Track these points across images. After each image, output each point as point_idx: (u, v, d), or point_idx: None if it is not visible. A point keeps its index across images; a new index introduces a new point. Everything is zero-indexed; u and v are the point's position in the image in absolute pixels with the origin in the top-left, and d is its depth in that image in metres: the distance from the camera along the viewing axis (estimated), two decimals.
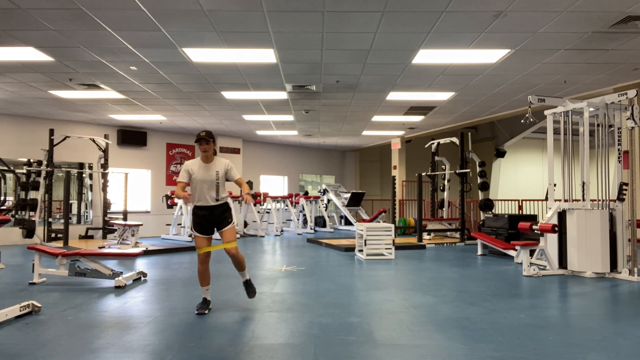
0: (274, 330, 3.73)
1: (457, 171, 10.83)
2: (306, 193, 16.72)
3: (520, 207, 11.47)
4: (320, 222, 15.24)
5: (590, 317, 4.22)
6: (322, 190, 15.82)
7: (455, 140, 11.21)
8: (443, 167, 12.35)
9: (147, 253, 8.58)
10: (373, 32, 5.70)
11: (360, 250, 8.26)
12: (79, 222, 11.92)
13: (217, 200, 4.26)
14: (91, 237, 11.33)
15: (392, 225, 8.35)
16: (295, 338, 3.51)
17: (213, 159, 4.29)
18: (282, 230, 14.05)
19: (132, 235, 9.20)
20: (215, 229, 4.33)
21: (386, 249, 8.16)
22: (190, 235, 11.38)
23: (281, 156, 17.23)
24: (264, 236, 12.81)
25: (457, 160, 11.02)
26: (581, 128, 6.75)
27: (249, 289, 4.48)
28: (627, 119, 6.31)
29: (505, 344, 3.34)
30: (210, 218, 4.27)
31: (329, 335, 3.55)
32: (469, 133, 11.07)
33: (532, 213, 10.78)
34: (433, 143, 12.25)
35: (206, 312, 4.21)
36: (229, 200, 4.52)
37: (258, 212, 13.65)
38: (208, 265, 4.33)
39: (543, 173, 16.15)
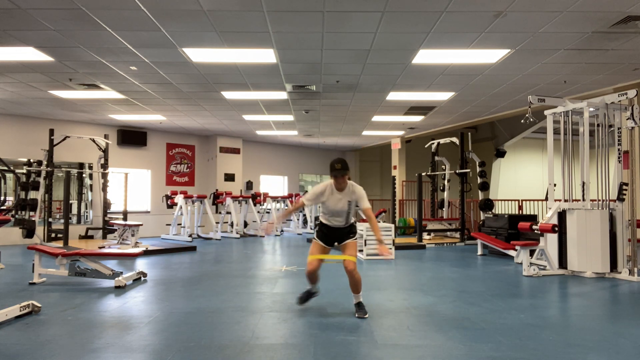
0: (274, 330, 3.73)
1: (457, 171, 10.83)
2: (306, 193, 16.72)
3: (520, 207, 11.47)
4: (315, 225, 15.21)
5: (590, 317, 4.22)
6: None
7: (455, 140, 11.21)
8: (443, 167, 12.35)
9: (147, 253, 8.58)
10: (373, 32, 5.70)
11: (360, 250, 8.26)
12: (79, 222, 11.92)
13: (345, 224, 4.23)
14: (91, 237, 11.33)
15: (392, 225, 8.35)
16: (295, 338, 3.51)
17: (347, 185, 4.10)
18: (282, 230, 14.06)
19: (132, 235, 9.20)
20: (336, 243, 4.27)
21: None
22: (190, 235, 11.39)
23: (281, 156, 17.22)
24: (264, 236, 12.81)
25: (457, 160, 11.02)
26: (581, 128, 6.75)
27: (360, 309, 4.16)
28: (627, 119, 6.31)
29: (505, 344, 3.34)
30: (336, 234, 4.24)
31: (329, 335, 3.55)
32: (469, 133, 11.07)
33: (532, 213, 10.77)
34: (433, 143, 12.25)
35: (306, 302, 4.39)
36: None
37: (258, 212, 13.65)
38: (315, 274, 4.25)
39: (543, 173, 16.14)
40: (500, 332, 3.61)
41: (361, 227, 8.27)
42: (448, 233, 11.57)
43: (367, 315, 4.08)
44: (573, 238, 6.47)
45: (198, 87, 8.38)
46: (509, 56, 6.57)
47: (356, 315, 4.09)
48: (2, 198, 6.74)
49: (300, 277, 6.19)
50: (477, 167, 10.88)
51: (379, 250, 4.14)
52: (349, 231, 4.25)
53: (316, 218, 14.91)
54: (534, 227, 6.69)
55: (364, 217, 14.48)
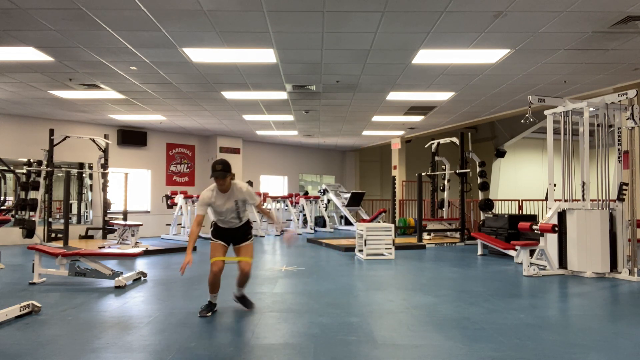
0: (274, 330, 3.73)
1: (457, 171, 10.83)
2: (306, 193, 16.72)
3: (520, 207, 11.47)
4: (320, 222, 15.24)
5: (590, 317, 4.22)
6: (322, 190, 15.81)
7: (455, 140, 11.21)
8: (443, 167, 12.35)
9: (147, 253, 8.58)
10: (373, 32, 5.70)
11: (360, 250, 8.26)
12: (79, 222, 11.92)
13: (240, 222, 4.27)
14: (91, 237, 11.33)
15: (392, 225, 8.35)
16: (295, 338, 3.51)
17: (230, 187, 4.11)
18: (282, 230, 14.05)
19: (132, 235, 9.20)
20: (232, 243, 4.30)
21: (386, 249, 8.15)
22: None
23: (281, 156, 17.22)
24: (264, 236, 12.81)
25: (457, 160, 11.02)
26: (581, 128, 6.75)
27: (246, 302, 4.38)
28: (627, 119, 6.31)
29: (505, 344, 3.34)
30: (232, 234, 4.28)
31: (329, 335, 3.55)
32: (469, 133, 11.06)
33: (532, 213, 10.77)
34: (433, 143, 12.25)
35: (209, 314, 4.15)
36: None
37: (258, 212, 13.63)
38: (219, 277, 4.20)
39: (543, 173, 16.14)
40: (500, 332, 3.61)
41: (361, 227, 8.27)
42: (448, 233, 11.57)
43: (252, 308, 4.31)
44: (573, 238, 6.47)
45: (198, 87, 8.38)
46: (509, 56, 6.57)
47: (247, 309, 4.30)
48: (2, 198, 6.74)
49: (301, 277, 6.19)
50: (477, 167, 10.88)
51: (284, 236, 4.37)
52: (244, 232, 4.29)
53: (316, 218, 14.94)
54: (534, 227, 6.68)
55: (364, 218, 14.44)
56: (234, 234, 4.29)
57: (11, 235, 10.28)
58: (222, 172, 3.99)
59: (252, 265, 4.27)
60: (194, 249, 4.01)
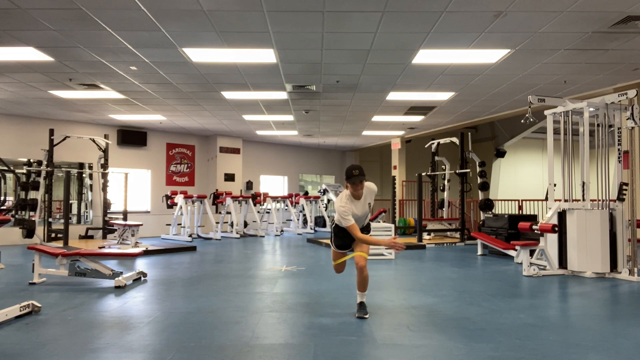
0: (274, 330, 3.73)
1: (457, 171, 10.83)
2: (306, 193, 16.73)
3: (520, 207, 11.47)
4: (320, 222, 15.24)
5: (590, 317, 4.22)
6: (322, 190, 15.81)
7: (455, 140, 11.21)
8: (443, 167, 12.35)
9: (147, 253, 8.58)
10: (373, 32, 5.70)
11: None
12: (79, 222, 11.92)
13: (363, 225, 4.27)
14: (91, 237, 11.33)
15: (392, 225, 8.35)
16: (295, 338, 3.50)
17: (363, 190, 4.08)
18: (282, 230, 14.05)
19: (132, 235, 9.20)
20: (352, 244, 4.29)
21: (386, 249, 8.16)
22: (190, 235, 11.39)
23: (281, 156, 17.22)
24: (264, 236, 12.81)
25: (457, 160, 11.02)
26: (581, 128, 6.75)
27: (361, 310, 4.13)
28: (627, 119, 6.31)
29: (505, 344, 3.34)
30: (351, 236, 4.18)
31: (329, 335, 3.55)
32: (469, 133, 11.06)
33: (532, 213, 10.78)
34: (433, 143, 12.25)
35: (366, 316, 4.06)
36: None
37: (258, 212, 13.66)
38: (343, 267, 4.48)
39: (543, 173, 16.15)
40: (500, 332, 3.61)
41: None
42: (448, 233, 11.57)
43: (367, 316, 4.06)
44: (573, 238, 6.47)
45: (198, 87, 8.38)
46: (509, 56, 6.57)
47: (356, 315, 4.07)
48: (2, 198, 6.74)
49: (301, 277, 6.19)
50: (477, 167, 10.88)
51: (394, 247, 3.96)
52: (365, 231, 4.30)
53: (316, 218, 14.94)
54: (534, 227, 6.68)
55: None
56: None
57: (11, 235, 10.28)
58: (360, 176, 3.95)
59: (366, 260, 4.11)
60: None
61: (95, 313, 4.26)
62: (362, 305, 4.16)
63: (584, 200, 6.52)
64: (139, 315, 4.19)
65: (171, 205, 12.00)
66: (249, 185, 15.84)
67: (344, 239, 4.25)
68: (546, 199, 7.14)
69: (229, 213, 12.70)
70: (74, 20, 5.29)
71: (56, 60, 6.76)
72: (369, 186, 4.16)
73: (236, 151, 14.93)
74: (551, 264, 6.57)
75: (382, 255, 8.13)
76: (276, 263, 7.64)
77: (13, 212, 9.59)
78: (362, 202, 4.13)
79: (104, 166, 11.12)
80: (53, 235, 10.29)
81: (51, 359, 3.03)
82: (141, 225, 9.65)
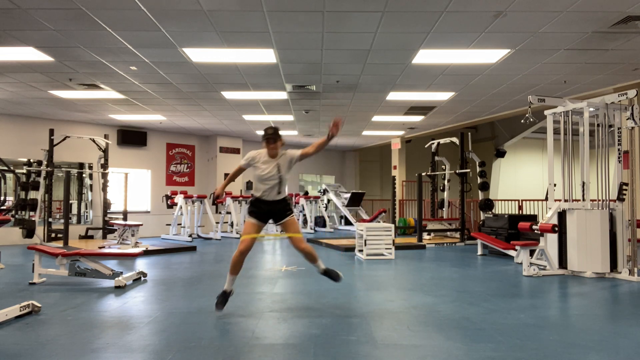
0: (274, 330, 3.73)
1: (457, 171, 10.83)
2: (306, 193, 16.72)
3: (520, 207, 11.47)
4: (320, 222, 15.24)
5: (590, 317, 4.22)
6: (322, 190, 15.82)
7: (455, 140, 11.21)
8: (443, 167, 12.35)
9: (147, 253, 8.57)
10: (373, 32, 5.70)
11: (360, 250, 8.26)
12: (79, 222, 11.92)
13: (279, 195, 4.22)
14: (91, 237, 11.33)
15: (392, 225, 8.35)
16: (295, 338, 3.50)
17: (278, 153, 4.15)
18: (282, 230, 14.03)
19: (132, 235, 9.20)
20: (272, 220, 4.27)
21: (386, 249, 8.15)
22: (190, 235, 11.39)
23: None
24: (263, 236, 12.80)
25: (457, 160, 11.02)
26: (581, 128, 6.75)
27: (331, 275, 4.33)
28: (627, 119, 6.31)
29: (505, 344, 3.34)
30: (271, 208, 4.22)
31: (329, 335, 3.55)
32: (469, 133, 11.06)
33: (532, 213, 10.78)
34: (433, 143, 12.25)
35: (223, 308, 4.12)
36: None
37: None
38: (245, 257, 4.14)
39: (543, 173, 16.13)
40: (500, 332, 3.61)
41: (361, 227, 8.27)
42: (448, 233, 11.57)
43: (340, 279, 4.36)
44: (573, 238, 6.47)
45: (198, 87, 8.38)
46: (509, 56, 6.57)
47: (336, 281, 4.36)
48: (2, 198, 6.73)
49: (301, 277, 6.19)
50: (477, 167, 10.88)
51: (333, 124, 4.02)
52: (284, 207, 4.25)
53: (316, 218, 14.92)
54: (534, 227, 6.68)
55: (364, 218, 14.41)
56: (273, 208, 4.22)
57: (11, 235, 10.28)
58: (273, 135, 4.05)
59: (302, 238, 4.27)
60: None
61: (95, 313, 4.26)
62: (327, 272, 4.36)
63: (584, 200, 6.52)
64: (139, 315, 4.19)
65: (171, 205, 12.00)
66: (249, 185, 15.84)
67: (262, 210, 4.20)
68: (546, 199, 7.14)
69: (229, 213, 12.70)
70: (74, 20, 5.29)
71: (56, 60, 6.76)
72: (288, 150, 4.20)
73: (236, 151, 14.93)
74: (551, 264, 6.57)
75: (382, 255, 8.13)
76: (276, 263, 7.64)
77: (13, 212, 9.59)
78: (273, 163, 4.12)
79: (104, 166, 11.12)
80: (53, 235, 10.29)
81: (51, 359, 3.03)
82: (141, 225, 9.65)
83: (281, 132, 4.17)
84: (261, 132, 14.08)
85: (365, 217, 14.79)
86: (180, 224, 11.71)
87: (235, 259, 4.12)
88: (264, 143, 4.15)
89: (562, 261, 6.62)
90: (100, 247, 8.71)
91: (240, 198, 13.03)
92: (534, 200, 11.18)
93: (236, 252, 4.12)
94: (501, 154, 16.16)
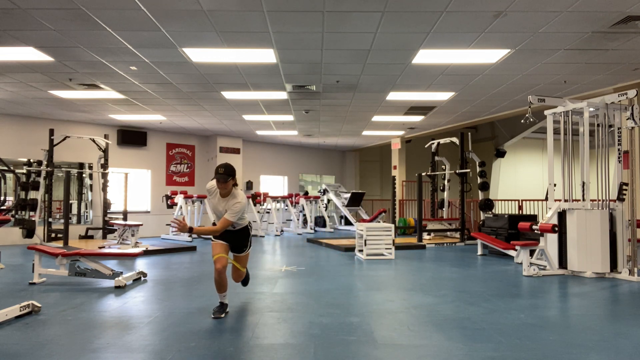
0: (274, 330, 3.73)
1: (457, 171, 10.83)
2: (306, 193, 16.72)
3: (520, 207, 11.47)
4: (320, 222, 15.24)
5: (590, 317, 4.22)
6: (322, 190, 15.82)
7: (455, 140, 11.21)
8: (443, 167, 12.35)
9: (147, 253, 8.58)
10: (373, 32, 5.70)
11: (360, 250, 8.26)
12: (79, 222, 11.92)
13: (234, 228, 4.20)
14: (91, 237, 11.33)
15: (392, 225, 8.35)
16: (295, 338, 3.51)
17: (231, 193, 4.09)
18: (282, 230, 14.05)
19: (132, 235, 9.20)
20: (232, 248, 4.30)
21: (386, 249, 8.16)
22: (190, 235, 11.39)
23: (281, 156, 17.22)
24: (264, 236, 12.81)
25: (457, 160, 11.02)
26: (581, 128, 6.75)
27: (222, 310, 4.17)
28: (627, 119, 6.31)
29: (505, 344, 3.34)
30: (230, 238, 4.24)
31: (329, 335, 3.55)
32: (469, 133, 11.06)
33: (532, 213, 10.77)
34: (433, 143, 12.25)
35: (222, 316, 4.09)
36: (248, 225, 4.37)
37: (258, 212, 13.65)
38: (225, 275, 4.14)
39: (543, 173, 16.15)
40: (500, 332, 3.61)
41: (361, 227, 8.28)
42: (448, 233, 11.57)
43: (221, 317, 4.05)
44: (573, 238, 6.47)
45: (198, 87, 8.38)
46: (509, 56, 6.57)
47: (212, 316, 4.04)
48: (2, 198, 6.73)
49: (301, 277, 6.19)
50: (477, 167, 10.88)
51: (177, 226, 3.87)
52: (241, 240, 4.27)
53: (316, 218, 14.92)
54: (534, 227, 6.68)
55: (364, 218, 14.44)
56: (231, 238, 4.25)
57: (11, 235, 10.28)
58: (224, 175, 3.96)
59: (242, 275, 4.49)
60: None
61: (95, 313, 4.26)
62: (222, 305, 4.19)
63: (584, 200, 6.52)
64: (139, 315, 4.19)
65: (171, 205, 12.00)
66: (249, 185, 15.84)
67: (222, 237, 4.21)
68: (546, 199, 7.14)
69: None
70: (74, 20, 5.29)
71: (56, 60, 6.76)
72: (237, 196, 4.06)
73: (236, 151, 14.92)
74: (551, 264, 6.57)
75: (382, 255, 8.13)
76: (276, 263, 7.64)
77: (13, 212, 9.59)
78: (224, 202, 4.09)
79: (104, 166, 11.11)
80: (53, 235, 10.29)
81: (51, 359, 3.03)
82: (141, 225, 9.65)
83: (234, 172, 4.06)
84: (262, 132, 14.12)
85: (365, 217, 14.79)
86: None
87: (216, 280, 4.11)
88: (215, 180, 4.05)
89: (562, 261, 6.62)
90: (100, 247, 8.71)
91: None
92: (534, 200, 11.18)
93: (215, 274, 4.09)
94: (501, 154, 16.17)
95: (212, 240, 4.25)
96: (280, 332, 3.66)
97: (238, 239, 4.27)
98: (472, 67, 7.10)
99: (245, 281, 4.79)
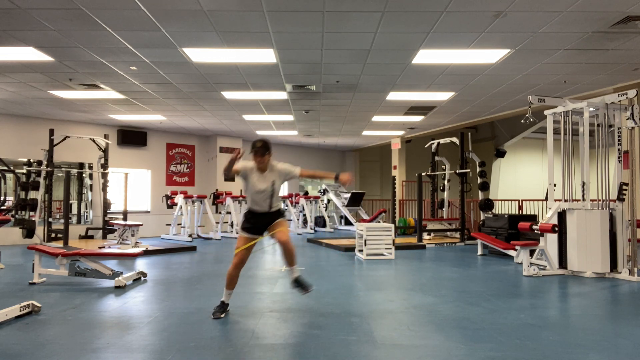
0: (274, 330, 3.73)
1: (457, 171, 10.83)
2: (306, 193, 16.72)
3: (520, 207, 11.47)
4: (320, 222, 15.24)
5: (590, 317, 4.22)
6: (322, 190, 15.81)
7: (455, 140, 11.21)
8: (443, 167, 12.35)
9: (147, 253, 8.57)
10: (373, 32, 5.70)
11: (360, 250, 8.26)
12: (79, 222, 11.92)
13: (270, 209, 4.13)
14: (91, 237, 11.33)
15: (392, 225, 8.35)
16: (295, 338, 3.51)
17: (269, 166, 4.07)
18: (271, 234, 14.01)
19: (132, 235, 9.20)
20: (265, 231, 4.20)
21: (386, 249, 8.15)
22: (190, 235, 11.39)
23: (281, 156, 17.11)
24: (264, 236, 12.78)
25: (457, 160, 11.02)
26: (581, 128, 6.75)
27: (302, 285, 4.19)
28: (627, 119, 6.31)
29: (505, 344, 3.34)
30: (264, 220, 4.15)
31: (329, 335, 3.55)
32: (469, 133, 11.06)
33: (532, 213, 10.77)
34: (433, 143, 12.25)
35: (222, 316, 4.06)
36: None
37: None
38: (240, 271, 4.13)
39: (543, 173, 16.13)
40: (500, 332, 3.61)
41: (361, 227, 8.27)
42: (448, 233, 11.57)
43: (310, 289, 4.17)
44: (573, 238, 6.47)
45: (198, 87, 8.38)
46: (509, 56, 6.57)
47: (301, 293, 4.16)
48: (2, 198, 6.73)
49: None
50: (477, 167, 10.88)
51: (342, 179, 4.15)
52: (276, 216, 4.18)
53: (316, 218, 14.93)
54: (534, 227, 6.68)
55: (364, 218, 14.42)
56: (266, 221, 4.14)
57: (11, 235, 10.28)
58: (262, 148, 3.95)
59: (289, 236, 4.11)
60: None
61: (95, 313, 4.26)
62: (298, 281, 4.18)
63: (584, 200, 6.52)
64: (139, 315, 4.19)
65: (171, 205, 12.00)
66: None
67: (255, 224, 4.14)
68: (546, 199, 7.14)
69: (229, 213, 12.69)
70: (74, 20, 5.29)
71: (56, 60, 6.76)
72: (278, 165, 4.11)
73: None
74: (551, 264, 6.57)
75: (382, 255, 8.13)
76: (276, 263, 7.64)
77: (13, 212, 9.59)
78: (263, 177, 4.03)
79: (104, 166, 11.11)
80: (53, 235, 10.29)
81: (51, 359, 3.03)
82: (141, 225, 9.65)
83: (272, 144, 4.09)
84: (262, 132, 14.09)
85: (365, 217, 14.78)
86: (180, 224, 11.70)
87: (230, 273, 4.10)
88: (252, 155, 4.03)
89: (562, 261, 6.62)
90: (100, 247, 8.71)
91: (240, 198, 13.02)
92: (534, 200, 11.18)
93: (231, 267, 4.09)
94: (501, 154, 16.16)
95: (241, 233, 4.17)
96: (280, 332, 3.66)
97: (273, 216, 4.17)
98: (472, 67, 7.10)
99: (302, 285, 4.24)
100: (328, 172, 4.26)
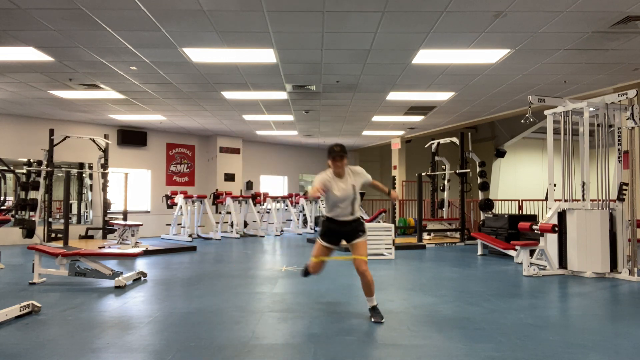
0: (274, 330, 3.73)
1: (457, 171, 10.83)
2: (306, 193, 16.72)
3: (520, 207, 11.46)
4: (320, 222, 15.23)
5: (590, 317, 4.22)
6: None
7: (455, 140, 11.21)
8: (443, 167, 12.35)
9: (147, 253, 8.57)
10: (373, 32, 5.70)
11: None
12: (79, 222, 11.92)
13: (352, 216, 4.01)
14: (91, 237, 11.33)
15: (392, 225, 8.35)
16: (295, 338, 3.51)
17: (346, 171, 3.99)
18: (282, 230, 14.05)
19: (132, 235, 9.20)
20: (344, 240, 4.09)
21: (386, 249, 8.15)
22: (190, 235, 11.39)
23: (281, 156, 17.23)
24: (264, 236, 12.81)
25: (457, 160, 11.02)
26: (581, 128, 6.75)
27: (375, 314, 3.97)
28: (627, 119, 6.31)
29: (505, 344, 3.34)
30: (344, 229, 4.04)
31: (329, 335, 3.55)
32: (469, 133, 11.06)
33: (532, 213, 10.77)
34: (433, 143, 12.25)
35: (304, 276, 4.38)
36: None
37: (258, 212, 13.66)
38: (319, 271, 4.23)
39: (543, 173, 16.13)
40: (500, 332, 3.61)
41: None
42: (448, 233, 11.57)
43: (383, 320, 3.89)
44: (573, 238, 6.47)
45: (198, 87, 8.38)
46: (509, 56, 6.57)
47: (372, 320, 3.89)
48: (2, 198, 6.73)
49: (300, 277, 6.18)
50: (477, 167, 10.88)
51: (393, 196, 4.36)
52: (357, 228, 4.02)
53: (316, 218, 14.94)
54: (534, 227, 6.68)
55: (364, 218, 14.45)
56: (346, 229, 4.02)
57: (11, 235, 10.28)
58: (340, 152, 3.89)
59: (367, 263, 4.01)
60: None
61: (95, 313, 4.26)
62: (375, 310, 3.99)
63: (584, 200, 6.52)
64: (139, 315, 4.19)
65: (171, 205, 12.00)
66: (249, 185, 15.84)
67: (334, 233, 4.05)
68: (546, 199, 7.14)
69: (229, 213, 12.70)
70: (74, 20, 5.29)
71: (56, 60, 6.76)
72: (354, 168, 4.09)
73: (236, 151, 14.92)
74: (551, 264, 6.57)
75: (382, 255, 8.13)
76: (276, 263, 7.64)
77: (13, 212, 9.59)
78: (343, 182, 3.95)
79: (104, 166, 11.11)
80: (53, 235, 10.29)
81: (51, 359, 3.03)
82: (141, 225, 9.65)
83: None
84: (262, 132, 14.11)
85: (365, 217, 14.79)
86: (180, 224, 11.70)
87: (314, 271, 4.23)
88: (330, 161, 3.94)
89: (562, 261, 6.62)
90: (100, 247, 8.71)
91: (240, 198, 13.03)
92: (534, 200, 11.17)
93: (311, 269, 4.23)
94: (501, 154, 16.16)
95: (319, 240, 4.10)
96: (280, 332, 3.66)
97: (354, 227, 4.04)
98: (472, 67, 7.10)
99: (378, 315, 3.98)
100: (385, 185, 4.32)
